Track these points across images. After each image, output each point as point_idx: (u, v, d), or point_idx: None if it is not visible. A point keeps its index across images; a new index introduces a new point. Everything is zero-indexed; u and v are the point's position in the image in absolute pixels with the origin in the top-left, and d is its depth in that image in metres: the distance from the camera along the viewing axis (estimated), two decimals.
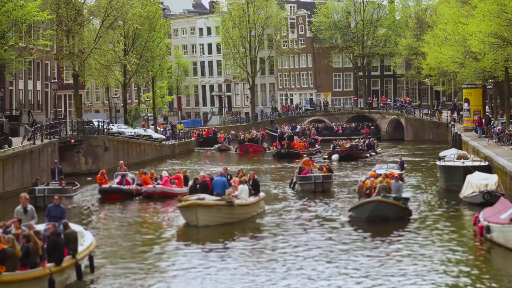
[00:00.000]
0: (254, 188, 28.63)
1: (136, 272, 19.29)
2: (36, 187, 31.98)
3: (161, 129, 76.26)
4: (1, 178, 36.18)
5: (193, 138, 78.64)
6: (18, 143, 40.83)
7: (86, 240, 18.93)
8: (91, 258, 18.63)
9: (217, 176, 29.20)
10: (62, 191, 31.52)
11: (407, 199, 27.92)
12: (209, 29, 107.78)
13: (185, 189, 32.89)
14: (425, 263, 19.88)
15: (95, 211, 32.19)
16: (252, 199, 28.07)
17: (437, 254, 20.97)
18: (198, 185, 28.27)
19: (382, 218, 25.94)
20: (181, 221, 26.84)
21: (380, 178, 28.39)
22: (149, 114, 78.84)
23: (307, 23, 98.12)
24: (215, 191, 27.57)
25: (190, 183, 30.96)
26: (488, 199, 28.63)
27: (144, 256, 21.51)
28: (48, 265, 16.12)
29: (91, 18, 59.73)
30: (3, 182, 36.36)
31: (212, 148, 74.09)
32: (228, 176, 29.94)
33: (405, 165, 43.09)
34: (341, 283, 17.87)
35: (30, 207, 20.07)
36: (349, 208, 28.04)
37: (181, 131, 77.72)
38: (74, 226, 19.48)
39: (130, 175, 36.60)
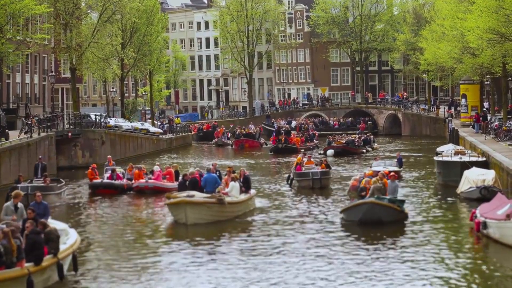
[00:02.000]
0: (245, 185, 28.16)
1: (121, 271, 18.91)
2: (18, 185, 30.48)
3: (158, 123, 76.03)
4: None
5: (192, 132, 78.42)
6: (15, 136, 40.88)
7: (70, 238, 18.33)
8: (74, 257, 18.11)
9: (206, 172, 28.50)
10: (46, 188, 30.64)
11: (403, 201, 26.37)
12: (207, 23, 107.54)
13: (176, 184, 32.09)
14: (421, 258, 19.69)
15: (84, 208, 31.71)
16: (243, 196, 27.61)
17: (433, 250, 20.75)
18: (187, 182, 27.64)
19: (375, 221, 24.51)
20: (170, 218, 26.36)
21: (374, 179, 26.70)
22: (147, 108, 78.62)
23: (305, 18, 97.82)
24: (206, 188, 26.80)
25: (180, 179, 30.48)
26: (485, 194, 28.54)
27: (130, 254, 21.08)
28: (27, 264, 15.53)
29: (88, 11, 59.62)
30: None
31: (211, 142, 73.81)
32: (217, 172, 29.36)
33: (403, 160, 42.63)
34: (333, 284, 17.57)
35: (20, 204, 19.70)
36: (340, 210, 26.60)
37: (178, 125, 77.50)
38: (58, 224, 19.13)
39: (118, 170, 36.22)
